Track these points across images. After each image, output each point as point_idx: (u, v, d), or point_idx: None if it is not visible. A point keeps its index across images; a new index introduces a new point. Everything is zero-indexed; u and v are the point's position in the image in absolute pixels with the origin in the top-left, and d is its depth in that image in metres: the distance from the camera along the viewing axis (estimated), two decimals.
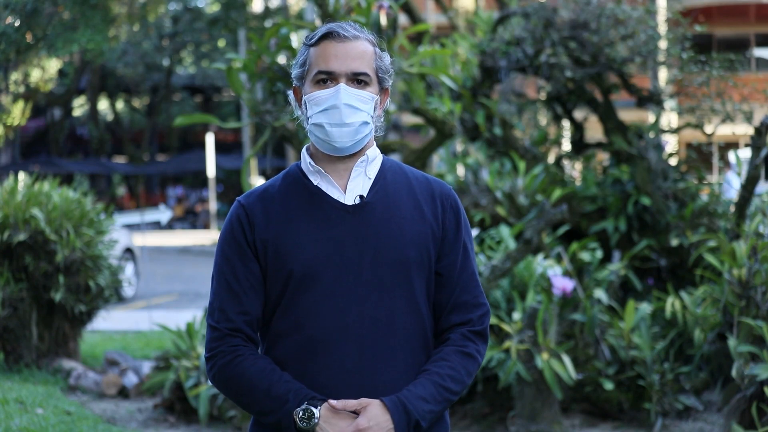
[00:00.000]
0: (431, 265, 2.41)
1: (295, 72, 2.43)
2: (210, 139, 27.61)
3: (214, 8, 32.73)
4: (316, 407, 2.26)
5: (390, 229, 2.37)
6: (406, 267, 2.36)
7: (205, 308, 7.32)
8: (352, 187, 2.40)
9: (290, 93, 2.47)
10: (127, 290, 13.63)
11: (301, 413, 2.26)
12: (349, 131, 2.35)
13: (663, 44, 7.90)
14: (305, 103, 2.40)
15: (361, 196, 2.39)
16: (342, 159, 2.41)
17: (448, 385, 2.35)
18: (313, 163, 2.42)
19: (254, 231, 2.37)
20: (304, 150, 2.46)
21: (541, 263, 6.52)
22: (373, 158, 2.44)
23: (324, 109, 2.35)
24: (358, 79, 2.36)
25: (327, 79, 2.35)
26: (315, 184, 2.41)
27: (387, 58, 2.45)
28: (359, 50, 2.36)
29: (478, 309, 2.44)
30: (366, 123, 2.37)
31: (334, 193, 2.39)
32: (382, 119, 2.49)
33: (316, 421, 2.26)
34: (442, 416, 2.43)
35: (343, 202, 2.38)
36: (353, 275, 2.33)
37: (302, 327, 2.34)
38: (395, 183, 2.44)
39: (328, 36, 2.36)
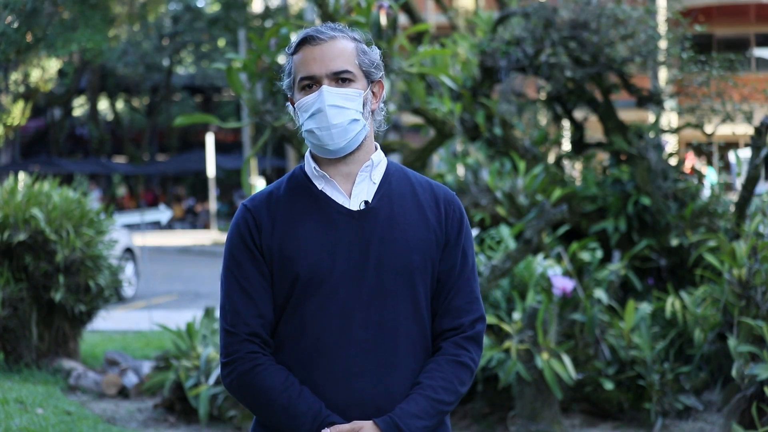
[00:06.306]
0: (434, 271, 2.40)
1: (284, 83, 2.44)
2: (210, 139, 27.60)
3: (214, 8, 32.72)
4: None
5: (394, 235, 2.36)
6: (410, 273, 2.36)
7: (206, 308, 7.34)
8: (357, 192, 2.39)
9: (288, 105, 2.47)
10: (127, 290, 13.62)
11: None
12: (338, 132, 2.34)
13: (663, 44, 7.89)
14: (296, 111, 2.40)
15: (366, 202, 2.38)
16: (345, 162, 2.40)
17: (441, 397, 2.34)
18: (317, 167, 2.40)
19: (261, 235, 2.36)
20: (307, 153, 2.45)
21: (541, 263, 6.51)
22: (378, 163, 2.44)
23: (311, 114, 2.35)
24: (340, 78, 2.35)
25: (311, 83, 2.35)
26: (320, 188, 2.40)
27: (374, 51, 2.44)
28: (338, 49, 2.36)
29: (469, 314, 2.42)
30: (355, 120, 2.35)
31: (339, 198, 2.39)
32: (383, 112, 2.48)
33: None
34: (442, 420, 2.42)
35: (348, 207, 2.38)
36: (358, 280, 2.33)
37: (307, 331, 2.34)
38: (400, 188, 2.43)
39: (305, 42, 2.37)
